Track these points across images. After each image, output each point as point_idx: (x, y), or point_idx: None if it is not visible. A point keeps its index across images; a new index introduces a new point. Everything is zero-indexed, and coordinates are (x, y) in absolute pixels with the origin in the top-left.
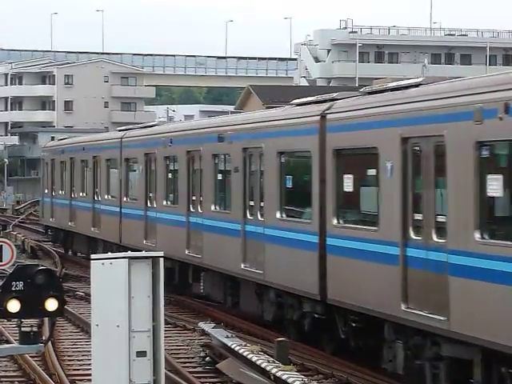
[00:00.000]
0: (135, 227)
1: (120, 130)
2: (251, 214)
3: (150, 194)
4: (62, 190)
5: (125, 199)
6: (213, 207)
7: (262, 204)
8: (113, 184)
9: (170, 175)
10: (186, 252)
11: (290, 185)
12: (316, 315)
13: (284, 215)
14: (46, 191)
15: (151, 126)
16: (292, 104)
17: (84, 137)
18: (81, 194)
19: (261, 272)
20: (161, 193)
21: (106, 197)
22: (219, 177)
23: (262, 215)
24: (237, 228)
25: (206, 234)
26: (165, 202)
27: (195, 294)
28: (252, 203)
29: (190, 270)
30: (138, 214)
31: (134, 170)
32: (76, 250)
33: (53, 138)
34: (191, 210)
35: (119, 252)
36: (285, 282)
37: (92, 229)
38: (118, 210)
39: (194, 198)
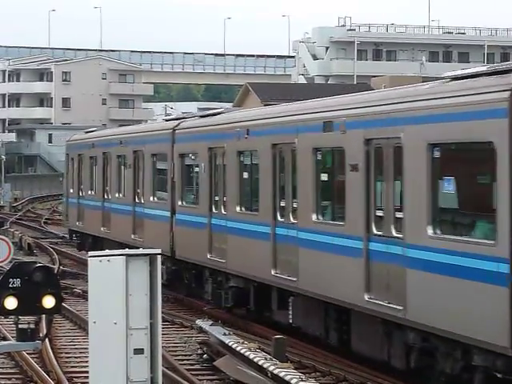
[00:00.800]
0: (195, 238)
1: (168, 120)
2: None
3: (216, 198)
4: (91, 189)
5: (180, 203)
6: (314, 217)
7: None
8: (161, 184)
9: (245, 174)
10: (273, 272)
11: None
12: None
13: None
14: (71, 191)
15: (216, 114)
16: (444, 78)
17: (121, 128)
18: (117, 196)
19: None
20: (233, 196)
21: (151, 199)
22: (324, 177)
23: None
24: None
25: (306, 250)
26: (238, 208)
27: (277, 323)
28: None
29: (274, 293)
30: (200, 221)
31: (193, 168)
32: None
33: (50, 136)
34: (280, 219)
35: (175, 267)
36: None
37: (132, 236)
38: (168, 214)
39: (283, 203)
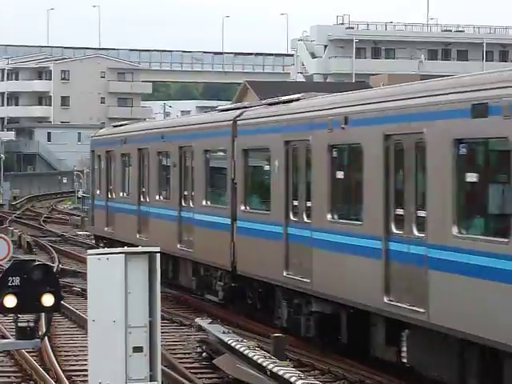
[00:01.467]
0: (264, 250)
1: (224, 110)
2: None
3: (295, 203)
4: (124, 191)
5: (243, 208)
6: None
7: None
8: (216, 186)
9: (339, 174)
10: (385, 299)
11: None
12: None
13: None
14: (98, 192)
15: (291, 101)
16: None
17: (161, 121)
18: (157, 198)
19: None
20: (321, 201)
21: (203, 203)
22: (471, 177)
23: None
24: None
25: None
26: (330, 216)
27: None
28: None
29: (381, 323)
30: (272, 230)
31: (261, 166)
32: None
33: (49, 134)
34: (395, 230)
35: (235, 284)
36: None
37: (178, 246)
38: (227, 222)
39: (401, 211)
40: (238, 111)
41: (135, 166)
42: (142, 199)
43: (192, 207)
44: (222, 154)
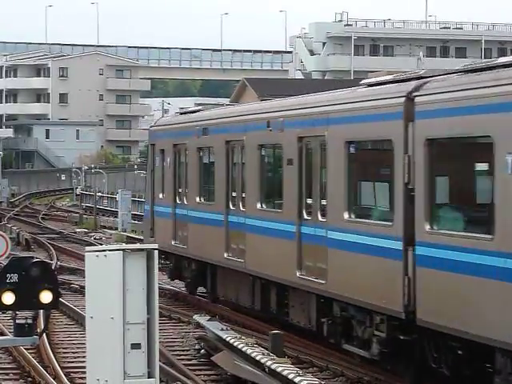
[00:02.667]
0: (468, 293)
1: (395, 81)
2: None
3: None
4: (202, 196)
5: (427, 227)
6: None
7: None
8: (370, 194)
9: None
10: None
11: None
12: None
13: None
14: (161, 196)
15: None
16: None
17: (263, 103)
18: (259, 207)
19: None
20: None
21: (345, 216)
22: None
23: None
24: None
25: None
26: None
27: None
28: None
29: None
30: (494, 264)
31: (465, 165)
32: (231, 296)
33: (48, 131)
34: None
35: (405, 338)
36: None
37: (298, 273)
38: (394, 246)
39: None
40: (412, 83)
41: (221, 163)
42: (232, 207)
43: (323, 222)
44: (381, 146)
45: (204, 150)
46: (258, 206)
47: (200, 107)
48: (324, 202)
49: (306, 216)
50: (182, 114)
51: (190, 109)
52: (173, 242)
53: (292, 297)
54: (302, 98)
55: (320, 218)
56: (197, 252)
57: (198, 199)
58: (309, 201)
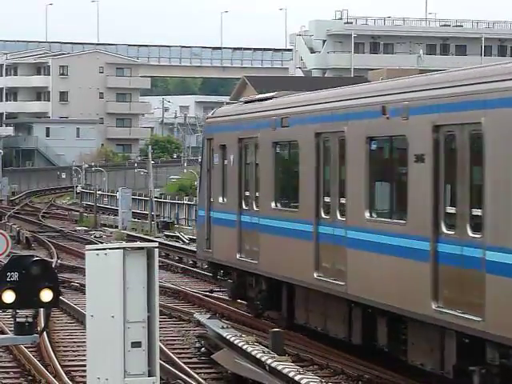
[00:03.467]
0: None
1: None
2: None
3: None
4: (279, 201)
5: None
6: None
7: None
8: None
9: None
10: None
11: None
12: None
13: None
14: (221, 200)
15: None
16: None
17: (374, 84)
18: (367, 217)
19: None
20: None
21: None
22: None
23: None
24: None
25: None
26: None
27: None
28: None
29: None
30: None
31: None
32: (316, 324)
33: (48, 129)
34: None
35: None
36: None
37: (434, 306)
38: None
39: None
40: None
41: (309, 161)
42: (325, 216)
43: (464, 238)
44: None
45: (283, 144)
46: (367, 215)
47: (273, 93)
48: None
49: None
50: (247, 102)
51: (257, 96)
52: (237, 256)
53: (415, 332)
54: (439, 75)
55: None
56: (272, 269)
57: (273, 205)
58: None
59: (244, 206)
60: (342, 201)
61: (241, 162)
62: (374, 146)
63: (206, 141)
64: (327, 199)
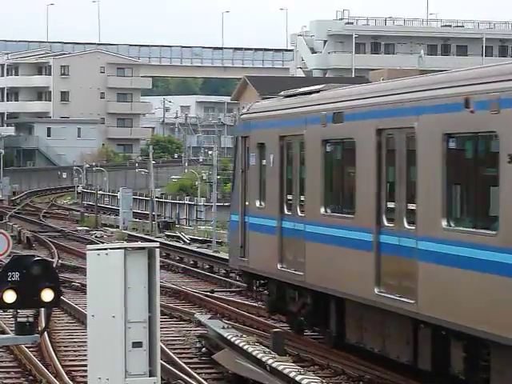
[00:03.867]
0: None
1: None
2: None
3: None
4: (330, 206)
5: None
6: None
7: None
8: None
9: None
10: None
11: None
12: None
13: None
14: (259, 204)
15: None
16: None
17: (458, 71)
18: (444, 225)
19: None
20: None
21: None
22: None
23: None
24: None
25: None
26: None
27: None
28: None
29: None
30: None
31: None
32: (372, 344)
33: (49, 129)
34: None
35: None
36: None
37: None
38: None
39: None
40: None
41: (368, 161)
42: (388, 224)
43: None
44: None
45: (335, 142)
46: (444, 223)
47: (320, 86)
48: None
49: None
50: (288, 96)
51: (300, 89)
52: (278, 266)
53: (500, 359)
54: None
55: None
56: (320, 282)
57: (322, 210)
58: None
59: (286, 211)
60: (411, 207)
61: (282, 162)
62: (452, 144)
63: (239, 139)
64: (391, 204)
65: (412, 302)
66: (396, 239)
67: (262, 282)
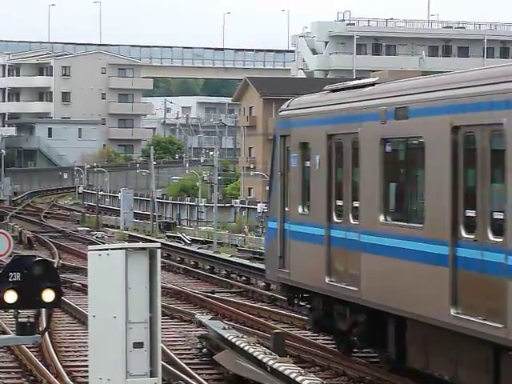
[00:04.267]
0: None
1: None
2: None
3: None
4: (391, 214)
5: None
6: None
7: None
8: None
9: None
10: None
11: None
12: None
13: None
14: (302, 211)
15: None
16: None
17: None
18: None
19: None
20: None
21: None
22: None
23: None
24: None
25: None
26: None
27: None
28: None
29: None
30: None
31: None
32: (442, 371)
33: (50, 130)
34: None
35: None
36: None
37: None
38: None
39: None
40: None
41: (442, 163)
42: (466, 235)
43: None
44: None
45: (397, 141)
46: None
47: (374, 79)
48: None
49: None
50: (334, 91)
51: (350, 83)
52: (326, 280)
53: None
54: None
55: None
56: (380, 299)
57: (381, 218)
58: None
59: (335, 219)
60: (498, 215)
61: (330, 164)
62: None
63: (278, 138)
64: (470, 213)
65: (499, 326)
66: (478, 253)
67: (305, 295)
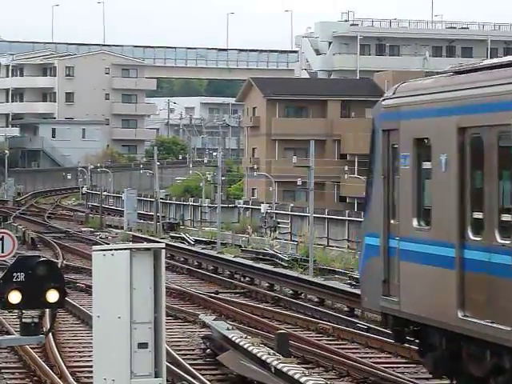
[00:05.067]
0: None
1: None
2: None
3: None
4: None
5: None
6: None
7: None
8: None
9: None
10: None
11: None
12: None
13: None
14: (416, 225)
15: None
16: None
17: None
18: None
19: None
20: None
21: None
22: None
23: None
24: None
25: None
26: None
27: None
28: None
29: None
30: None
31: None
32: None
33: (54, 130)
34: None
35: None
36: None
37: None
38: None
39: None
40: None
41: None
42: None
43: None
44: None
45: None
46: None
47: None
48: None
49: None
50: (461, 72)
51: (482, 63)
52: (459, 314)
53: None
54: None
55: None
56: None
57: None
58: None
59: (471, 236)
60: None
61: (463, 166)
62: None
63: (380, 133)
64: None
65: None
66: None
67: (416, 328)
